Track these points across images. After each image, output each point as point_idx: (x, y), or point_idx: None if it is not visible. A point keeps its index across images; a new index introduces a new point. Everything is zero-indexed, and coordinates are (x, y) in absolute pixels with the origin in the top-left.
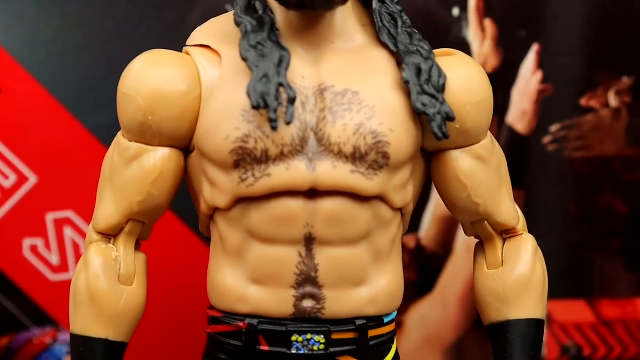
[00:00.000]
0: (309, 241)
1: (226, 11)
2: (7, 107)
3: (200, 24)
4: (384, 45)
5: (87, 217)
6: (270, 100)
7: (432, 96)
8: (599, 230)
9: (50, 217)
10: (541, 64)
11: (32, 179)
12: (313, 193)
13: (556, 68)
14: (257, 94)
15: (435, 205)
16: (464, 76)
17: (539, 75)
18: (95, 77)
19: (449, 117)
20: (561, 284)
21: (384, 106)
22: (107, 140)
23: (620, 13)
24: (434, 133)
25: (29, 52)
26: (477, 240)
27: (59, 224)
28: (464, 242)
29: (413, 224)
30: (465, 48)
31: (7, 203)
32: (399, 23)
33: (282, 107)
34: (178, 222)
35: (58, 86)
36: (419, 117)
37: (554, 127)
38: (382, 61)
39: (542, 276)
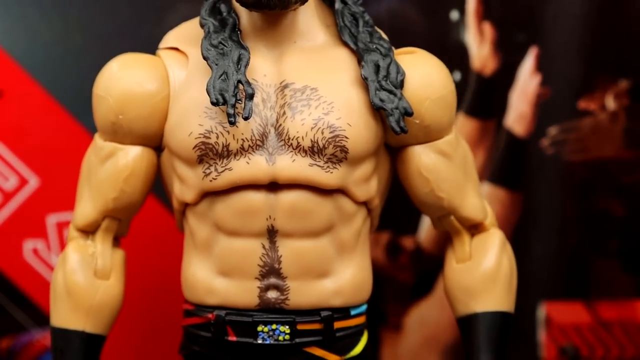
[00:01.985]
0: (272, 233)
1: None
2: (8, 109)
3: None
4: (346, 44)
5: None
6: (228, 97)
7: (390, 92)
8: (596, 233)
9: (51, 219)
10: (540, 67)
11: (33, 181)
12: (274, 186)
13: (554, 71)
14: (215, 91)
15: None
16: (423, 73)
17: (537, 78)
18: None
19: (407, 112)
20: (559, 286)
21: (342, 102)
22: None
23: (618, 16)
24: (392, 128)
25: (30, 54)
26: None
27: (60, 226)
28: None
29: (412, 226)
30: (463, 51)
31: (8, 205)
32: (360, 23)
33: (242, 103)
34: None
35: (59, 89)
36: (379, 112)
37: (552, 130)
38: (343, 59)
39: (509, 270)
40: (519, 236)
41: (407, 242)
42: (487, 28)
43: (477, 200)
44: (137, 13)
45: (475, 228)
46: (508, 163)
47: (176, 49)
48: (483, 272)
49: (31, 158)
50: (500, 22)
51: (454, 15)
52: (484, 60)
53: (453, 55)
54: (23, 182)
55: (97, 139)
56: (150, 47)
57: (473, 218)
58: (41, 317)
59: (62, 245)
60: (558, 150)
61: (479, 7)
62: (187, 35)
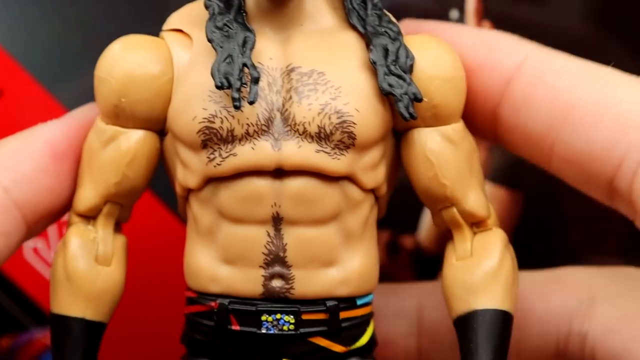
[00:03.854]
0: (277, 221)
1: None
2: (8, 109)
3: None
4: (354, 27)
5: None
6: (233, 80)
7: (399, 77)
8: (596, 232)
9: None
10: None
11: None
12: (280, 173)
13: None
14: (220, 74)
15: None
16: (435, 53)
17: None
18: None
19: (417, 98)
20: None
21: (350, 86)
22: None
23: (618, 16)
24: (401, 113)
25: (30, 54)
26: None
27: (60, 225)
28: None
29: (411, 225)
30: None
31: None
32: (369, 5)
33: (247, 87)
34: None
35: (59, 88)
36: (387, 98)
37: None
38: (351, 43)
39: (511, 270)
40: (519, 236)
41: (407, 242)
42: (487, 27)
43: (481, 195)
44: (137, 13)
45: (477, 226)
46: (508, 163)
47: (180, 30)
48: (484, 270)
49: None
50: (500, 21)
51: (454, 14)
52: None
53: None
54: None
55: (99, 122)
56: None
57: (476, 213)
58: (41, 316)
59: None
60: None
61: (478, 6)
62: (191, 16)
